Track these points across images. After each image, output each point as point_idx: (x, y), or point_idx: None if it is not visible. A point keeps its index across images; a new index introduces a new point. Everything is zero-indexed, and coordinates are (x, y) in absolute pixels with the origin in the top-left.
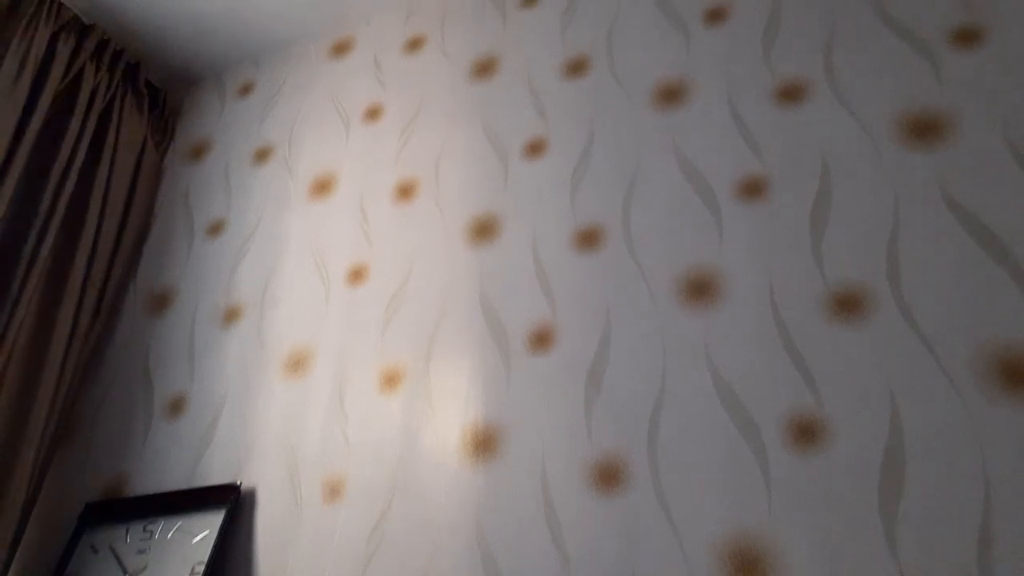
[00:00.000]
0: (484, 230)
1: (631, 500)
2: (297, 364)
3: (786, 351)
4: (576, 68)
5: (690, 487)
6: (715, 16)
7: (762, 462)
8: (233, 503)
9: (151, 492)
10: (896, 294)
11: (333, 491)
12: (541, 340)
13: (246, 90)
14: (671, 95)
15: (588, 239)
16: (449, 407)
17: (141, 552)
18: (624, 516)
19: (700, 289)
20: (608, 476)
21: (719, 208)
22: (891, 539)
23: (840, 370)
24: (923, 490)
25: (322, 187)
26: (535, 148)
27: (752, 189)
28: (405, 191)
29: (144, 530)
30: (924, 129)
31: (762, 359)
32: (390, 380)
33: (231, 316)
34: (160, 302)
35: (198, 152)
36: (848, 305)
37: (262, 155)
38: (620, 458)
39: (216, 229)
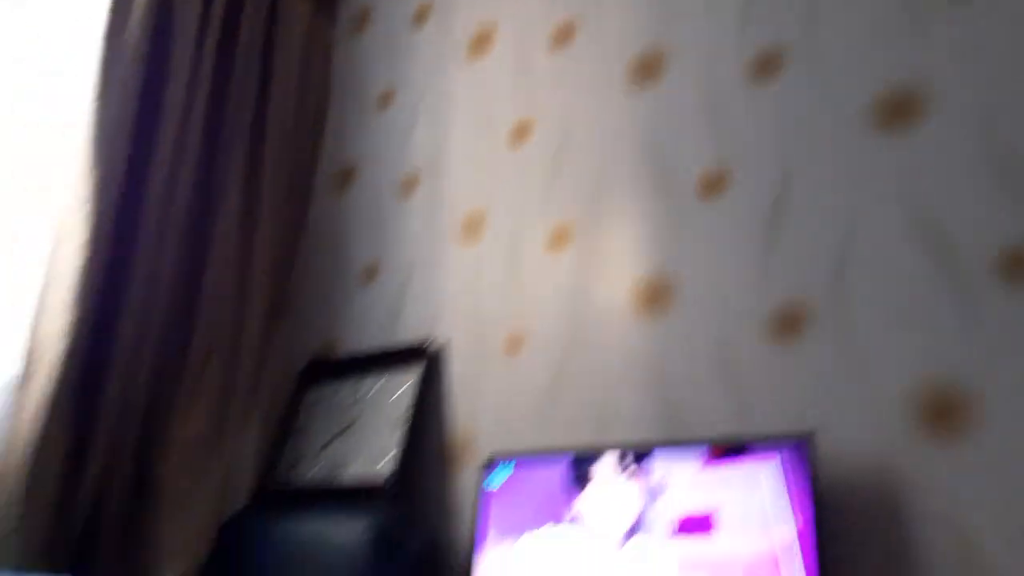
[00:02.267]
0: (647, 69)
1: (813, 348)
2: (473, 227)
3: (999, 176)
4: None
5: (880, 332)
6: None
7: (965, 301)
8: (427, 359)
9: (355, 352)
10: None
11: (514, 345)
12: (713, 184)
13: None
14: None
15: (764, 66)
16: (619, 261)
17: (352, 406)
18: (806, 365)
19: (898, 111)
20: (789, 324)
21: (922, 14)
22: None
23: None
24: None
25: (480, 43)
26: None
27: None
28: (564, 34)
29: (353, 386)
30: None
31: (970, 187)
32: (560, 237)
33: (409, 184)
34: (344, 177)
35: (360, 22)
36: None
37: (420, 16)
38: (802, 304)
39: (386, 99)
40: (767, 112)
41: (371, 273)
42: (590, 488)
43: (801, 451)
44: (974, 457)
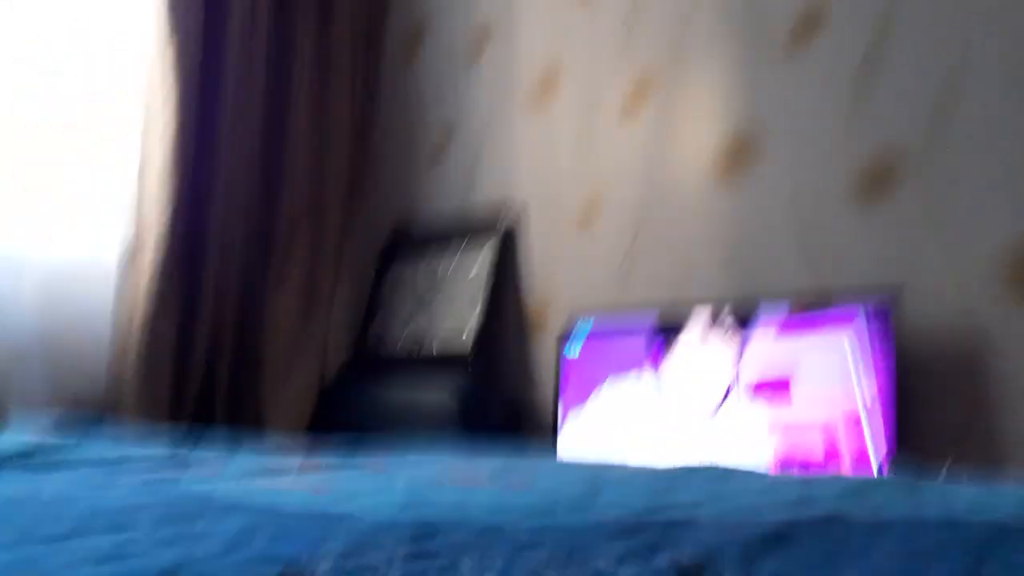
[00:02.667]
0: None
1: (901, 207)
2: (546, 88)
3: None
4: None
5: (975, 189)
6: None
7: None
8: (502, 231)
9: (433, 226)
10: None
11: (590, 213)
12: (804, 30)
13: None
14: None
15: None
16: (699, 119)
17: (431, 282)
18: (893, 225)
19: None
20: (877, 182)
21: None
22: None
23: None
24: None
25: None
26: None
27: None
28: None
29: (433, 260)
30: None
31: None
32: (637, 95)
33: (479, 45)
34: (414, 40)
35: None
36: None
37: None
38: (891, 161)
39: None
40: None
41: (444, 142)
42: (675, 348)
43: (883, 310)
44: None
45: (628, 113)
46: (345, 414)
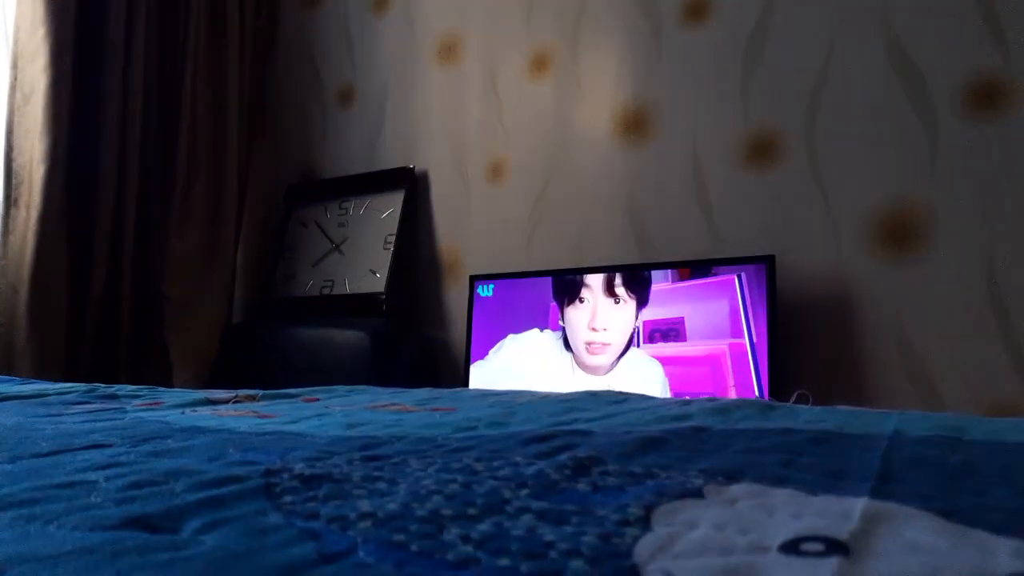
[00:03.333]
0: None
1: (783, 174)
2: (449, 51)
3: (978, 10)
4: None
5: (847, 158)
6: None
7: (930, 130)
8: (410, 183)
9: (338, 175)
10: None
11: (496, 171)
12: (696, 8)
13: None
14: None
15: None
16: (599, 87)
17: (341, 226)
18: (774, 189)
19: None
20: (762, 151)
21: None
22: None
23: None
24: None
25: None
26: None
27: None
28: None
29: (340, 207)
30: None
31: (947, 17)
32: (539, 63)
33: (381, 3)
34: None
35: None
36: None
37: None
38: (776, 132)
39: None
40: None
41: (348, 95)
42: (577, 301)
43: (766, 264)
44: (920, 275)
45: (532, 79)
46: (253, 354)
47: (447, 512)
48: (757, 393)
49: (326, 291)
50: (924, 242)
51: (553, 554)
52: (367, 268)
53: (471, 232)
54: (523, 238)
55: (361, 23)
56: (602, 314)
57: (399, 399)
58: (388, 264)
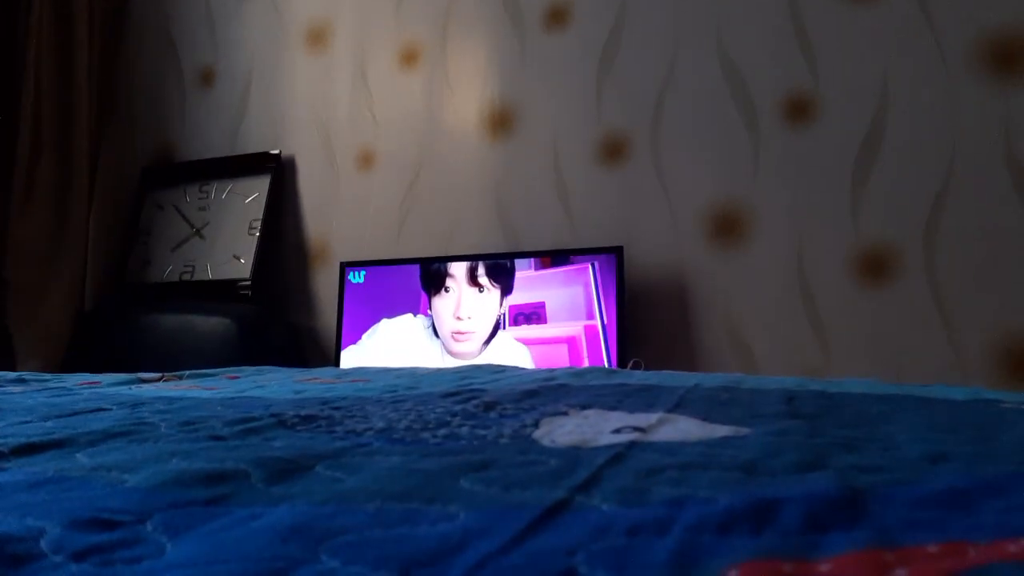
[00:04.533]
0: None
1: (632, 172)
2: (317, 37)
3: (794, 31)
4: None
5: (686, 161)
6: None
7: (754, 137)
8: (276, 168)
9: (198, 158)
10: None
11: (366, 161)
12: (556, 17)
13: None
14: None
15: None
16: (467, 85)
17: (201, 210)
18: (625, 186)
19: None
20: (613, 150)
21: None
22: (856, 206)
23: (841, 51)
24: (893, 165)
25: None
26: None
27: None
28: None
29: (200, 191)
30: None
31: (769, 41)
32: (409, 57)
33: None
34: None
35: None
36: None
37: None
38: (625, 135)
39: None
40: None
41: (207, 77)
42: (443, 290)
43: (612, 260)
44: (743, 263)
45: (402, 71)
46: (110, 342)
47: (416, 427)
48: (606, 364)
49: (186, 277)
50: (747, 235)
51: (489, 437)
52: (231, 253)
53: (341, 219)
54: (393, 226)
55: (224, 3)
56: (466, 303)
57: (314, 375)
58: (253, 250)
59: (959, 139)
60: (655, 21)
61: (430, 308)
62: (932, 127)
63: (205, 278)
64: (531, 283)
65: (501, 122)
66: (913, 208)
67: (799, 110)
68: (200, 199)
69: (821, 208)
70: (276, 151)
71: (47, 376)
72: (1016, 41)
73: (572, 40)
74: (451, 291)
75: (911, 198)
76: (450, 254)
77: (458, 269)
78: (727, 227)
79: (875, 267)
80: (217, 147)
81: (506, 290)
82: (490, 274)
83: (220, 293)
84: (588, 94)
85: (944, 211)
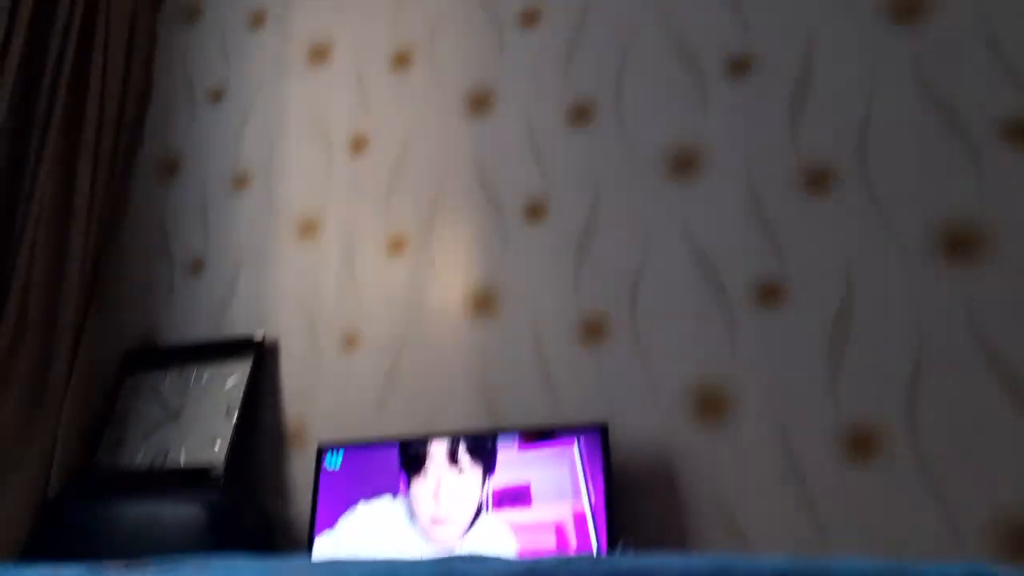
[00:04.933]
0: (479, 102)
1: (612, 351)
2: (307, 229)
3: (758, 223)
4: None
5: (664, 340)
6: None
7: (728, 319)
8: (258, 352)
9: (182, 343)
10: (862, 170)
11: (349, 342)
12: (535, 210)
13: None
14: None
15: (580, 113)
16: (452, 270)
17: (180, 394)
18: (605, 364)
19: (683, 164)
20: (592, 331)
21: (705, 85)
22: (833, 384)
23: (804, 239)
24: (865, 343)
25: (319, 54)
26: (530, 18)
27: (738, 66)
28: (401, 60)
29: (180, 376)
30: (902, 7)
31: (735, 229)
32: (396, 245)
33: (240, 182)
34: (169, 168)
35: (191, 15)
36: (816, 179)
37: (257, 19)
38: (603, 315)
39: (217, 95)
40: (582, 150)
41: (197, 266)
42: (422, 472)
43: (596, 438)
44: (729, 440)
45: (388, 259)
46: (71, 533)
47: None
48: (595, 548)
49: (159, 462)
50: (730, 413)
51: None
52: (206, 439)
53: (321, 401)
54: (374, 407)
55: (218, 198)
56: (446, 486)
57: (275, 568)
58: (229, 434)
59: (926, 319)
60: (627, 211)
61: (409, 490)
62: (899, 309)
63: (178, 464)
64: (515, 463)
65: (484, 304)
66: (891, 385)
67: (769, 293)
68: (179, 384)
69: (801, 386)
70: (260, 334)
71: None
72: (965, 235)
73: (550, 230)
74: (430, 473)
75: (888, 376)
76: (429, 433)
77: (438, 449)
78: (710, 405)
79: (860, 443)
80: (202, 332)
81: (488, 469)
82: (472, 453)
83: (192, 479)
84: (566, 279)
85: (922, 386)
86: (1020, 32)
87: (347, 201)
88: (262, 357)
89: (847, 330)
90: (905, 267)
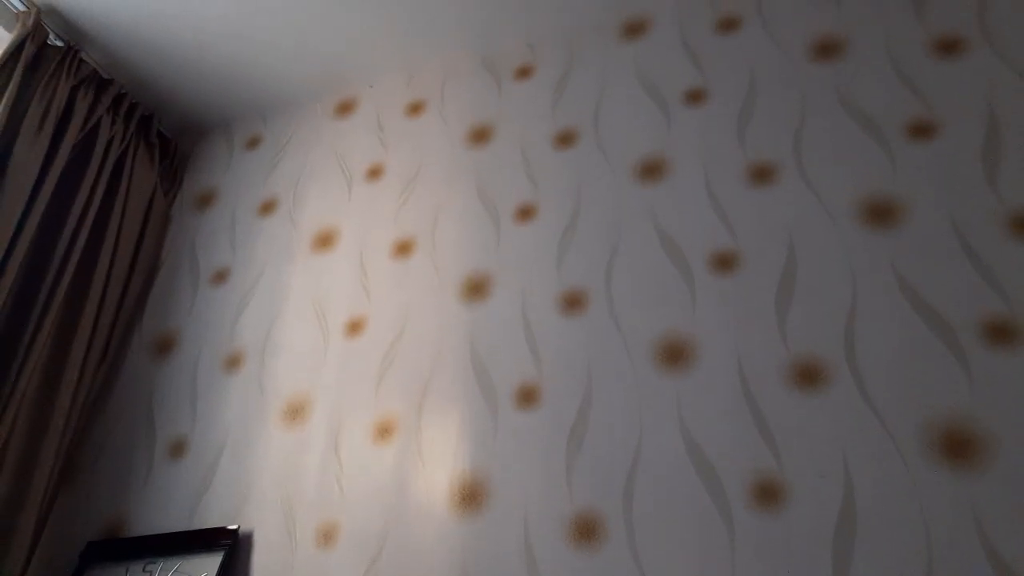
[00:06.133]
0: (476, 289)
1: (607, 554)
2: (295, 412)
3: (751, 416)
4: (565, 140)
5: (662, 543)
6: (694, 97)
7: (727, 520)
8: (231, 546)
9: (151, 532)
10: (852, 367)
11: (327, 537)
12: (527, 397)
13: (253, 143)
14: (652, 170)
15: (572, 302)
16: (439, 458)
17: None
18: (600, 570)
19: (674, 354)
20: (586, 531)
21: (693, 279)
22: None
23: (799, 436)
24: (872, 549)
25: (324, 241)
26: (526, 213)
27: (724, 262)
28: (403, 248)
29: (143, 570)
30: (880, 213)
31: (729, 423)
32: (384, 431)
33: (233, 363)
34: (164, 347)
35: (205, 201)
36: (808, 376)
37: (267, 207)
38: (597, 514)
39: (220, 277)
40: (575, 338)
41: (179, 448)
42: None
43: None
44: None
45: (375, 445)
46: None
47: None
48: None
49: None
50: None
51: None
52: None
53: None
54: None
55: (209, 378)
56: None
57: None
58: None
59: (931, 523)
60: (619, 402)
61: None
62: (902, 510)
63: None
64: None
65: (471, 497)
66: None
67: (767, 493)
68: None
69: None
70: (234, 526)
71: None
72: (957, 431)
73: (542, 419)
74: None
75: None
76: None
77: None
78: None
79: None
80: (173, 521)
81: None
82: None
83: None
84: (558, 471)
85: None
86: (991, 236)
87: (338, 384)
88: (235, 550)
89: (851, 536)
90: (905, 469)
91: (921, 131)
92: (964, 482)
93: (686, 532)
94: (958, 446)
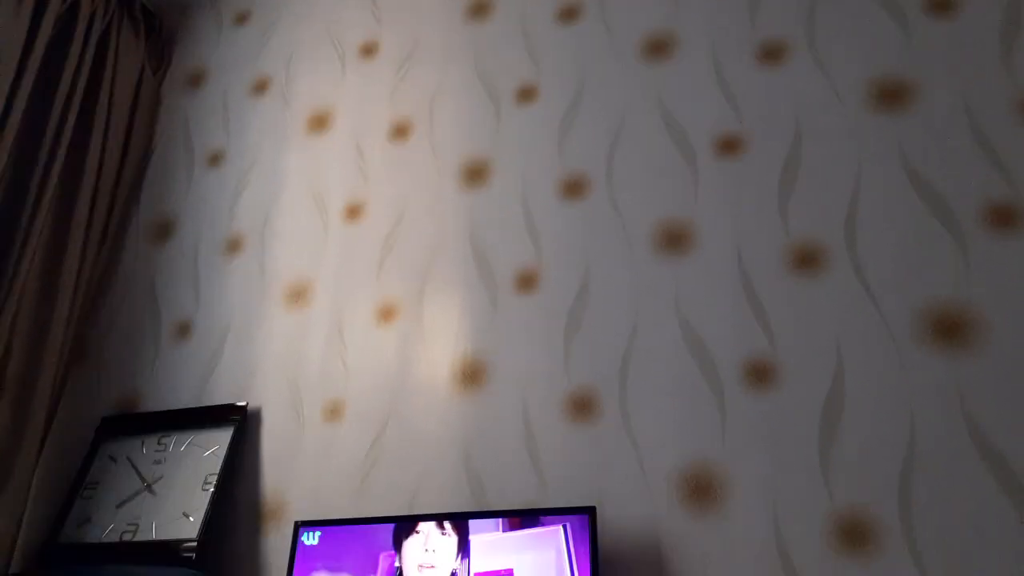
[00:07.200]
0: (475, 174)
1: (601, 429)
2: (297, 295)
3: (747, 300)
4: (569, 13)
5: (654, 420)
6: None
7: (719, 401)
8: (240, 421)
9: (162, 409)
10: (851, 253)
11: (333, 412)
12: (526, 282)
13: (242, 19)
14: (658, 48)
15: (573, 188)
16: (440, 340)
17: (157, 463)
18: (595, 443)
19: (674, 240)
20: (582, 407)
21: (696, 164)
22: (825, 472)
23: (794, 320)
24: (857, 429)
25: (319, 122)
26: (526, 94)
27: (729, 146)
28: (400, 131)
29: (159, 443)
30: (890, 95)
31: (725, 307)
32: (386, 313)
33: (233, 246)
34: (163, 230)
35: (195, 80)
36: (807, 261)
37: (260, 86)
38: (593, 392)
39: (216, 159)
40: (574, 224)
41: (184, 330)
42: (405, 552)
43: (584, 522)
44: (721, 528)
45: (376, 327)
46: None
47: None
48: None
49: (128, 536)
50: (721, 498)
51: None
52: (180, 511)
53: (301, 475)
54: (356, 483)
55: (210, 262)
56: (433, 538)
57: None
58: (205, 507)
59: (917, 405)
60: (617, 286)
61: (399, 560)
62: (889, 392)
63: (149, 538)
64: (499, 547)
65: (472, 376)
66: (883, 474)
67: (760, 374)
68: (157, 451)
69: (792, 472)
70: (243, 403)
71: None
72: (951, 316)
73: (541, 301)
74: (421, 532)
75: (880, 464)
76: (415, 512)
77: (425, 525)
78: (700, 490)
79: (854, 535)
80: (184, 399)
81: (469, 551)
82: (455, 533)
83: (163, 555)
84: (556, 352)
85: (913, 477)
86: (1002, 119)
87: (339, 268)
88: (244, 425)
89: (838, 416)
90: (896, 351)
91: (941, 5)
92: (952, 364)
93: (679, 410)
94: (948, 329)
